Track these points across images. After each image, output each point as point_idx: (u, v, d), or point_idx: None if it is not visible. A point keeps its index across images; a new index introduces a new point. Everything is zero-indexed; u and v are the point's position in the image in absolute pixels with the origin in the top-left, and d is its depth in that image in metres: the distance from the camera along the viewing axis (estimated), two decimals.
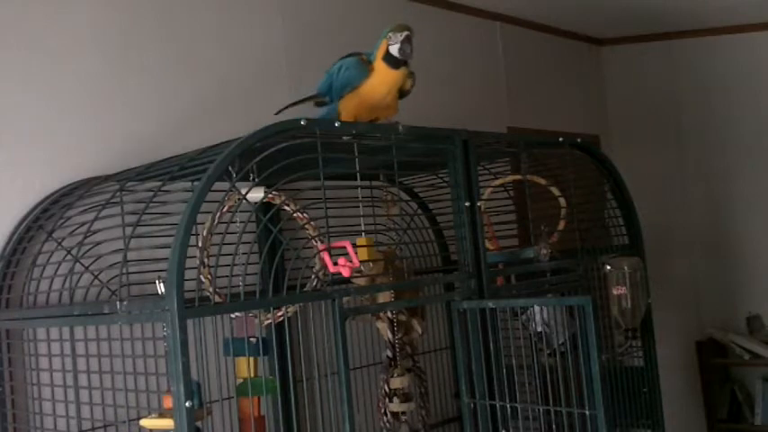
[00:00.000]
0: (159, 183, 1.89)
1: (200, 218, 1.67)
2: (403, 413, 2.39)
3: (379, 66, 2.15)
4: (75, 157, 2.37)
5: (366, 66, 2.16)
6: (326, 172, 1.91)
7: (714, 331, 4.71)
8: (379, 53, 2.14)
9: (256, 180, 1.86)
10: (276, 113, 2.17)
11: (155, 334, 1.86)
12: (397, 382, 2.38)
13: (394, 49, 2.11)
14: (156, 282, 1.74)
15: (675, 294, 4.55)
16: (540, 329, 2.72)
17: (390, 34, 2.11)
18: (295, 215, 2.10)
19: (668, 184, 4.85)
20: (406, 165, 2.43)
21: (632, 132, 4.91)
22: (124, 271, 1.74)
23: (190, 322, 1.61)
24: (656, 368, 2.74)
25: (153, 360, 1.80)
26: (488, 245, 2.55)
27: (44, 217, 2.20)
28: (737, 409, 4.67)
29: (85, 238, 1.97)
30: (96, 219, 1.92)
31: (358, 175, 2.14)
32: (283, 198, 2.06)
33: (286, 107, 2.26)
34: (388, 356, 2.40)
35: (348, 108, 2.18)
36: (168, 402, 1.65)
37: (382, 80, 2.15)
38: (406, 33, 2.10)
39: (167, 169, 1.93)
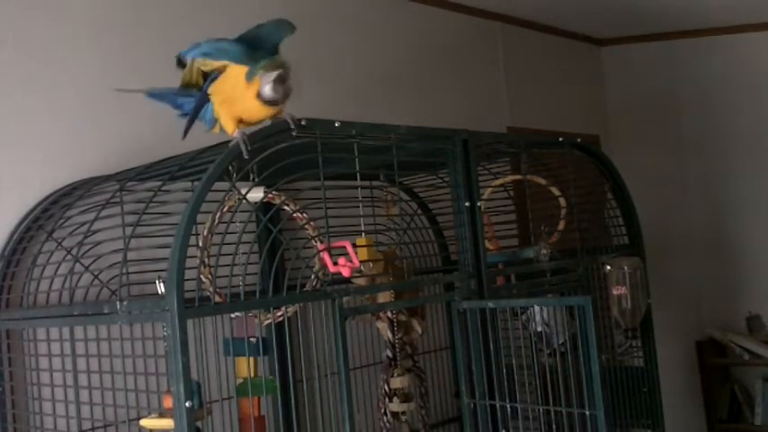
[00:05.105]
0: (159, 183, 1.89)
1: (200, 218, 1.67)
2: (403, 413, 2.39)
3: (253, 100, 1.82)
4: (75, 157, 2.37)
5: (244, 58, 1.84)
6: (326, 172, 1.91)
7: (714, 331, 4.71)
8: (252, 89, 1.80)
9: (256, 180, 1.86)
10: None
11: (155, 334, 1.86)
12: (397, 382, 2.38)
13: (266, 90, 1.78)
14: (156, 282, 1.74)
15: (675, 294, 4.55)
16: (540, 329, 2.72)
17: (262, 71, 1.78)
18: (295, 215, 2.10)
19: (668, 184, 4.85)
20: (406, 165, 2.42)
21: (632, 132, 4.90)
22: (124, 271, 1.74)
23: (190, 322, 1.61)
24: (656, 368, 2.74)
25: (153, 360, 1.80)
26: (488, 245, 2.55)
27: (44, 217, 2.20)
28: (737, 409, 4.67)
29: (85, 238, 1.97)
30: (96, 219, 1.92)
31: (358, 175, 2.14)
32: (283, 198, 2.06)
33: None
34: (388, 356, 2.40)
35: (222, 116, 1.87)
36: (168, 402, 1.65)
37: (256, 110, 1.84)
38: (278, 72, 1.77)
39: (167, 169, 1.93)
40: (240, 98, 1.83)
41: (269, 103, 1.81)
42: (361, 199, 2.15)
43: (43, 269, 2.12)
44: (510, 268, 2.50)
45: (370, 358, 2.80)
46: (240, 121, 1.86)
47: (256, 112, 1.84)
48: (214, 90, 1.88)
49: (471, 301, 2.21)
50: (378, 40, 3.47)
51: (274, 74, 1.78)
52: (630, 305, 2.54)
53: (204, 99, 1.90)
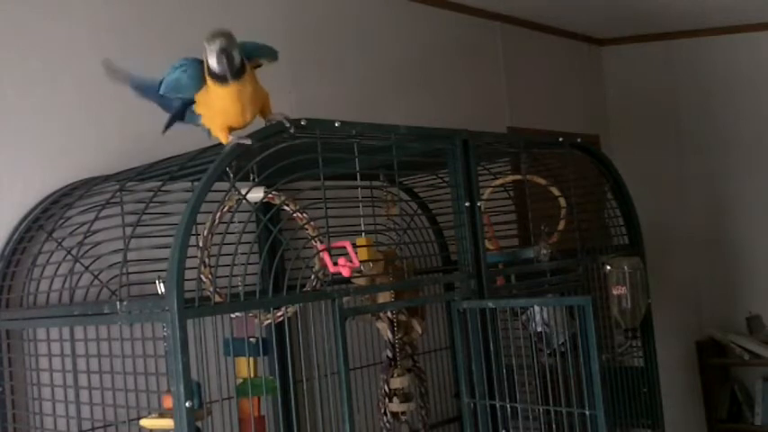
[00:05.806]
0: (159, 183, 1.89)
1: (200, 218, 1.67)
2: (403, 413, 2.39)
3: (210, 84, 1.75)
4: (75, 157, 2.37)
5: (201, 76, 1.77)
6: (326, 172, 1.91)
7: (714, 331, 4.71)
8: (206, 68, 1.74)
9: (256, 180, 1.86)
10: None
11: (155, 334, 1.86)
12: (397, 382, 2.38)
13: (212, 63, 1.70)
14: (156, 282, 1.74)
15: (675, 294, 4.55)
16: (540, 329, 2.72)
17: (205, 44, 1.68)
18: (295, 215, 2.10)
19: (668, 184, 4.85)
20: (406, 165, 2.43)
21: (632, 132, 4.91)
22: (124, 271, 1.74)
23: (190, 322, 1.61)
24: (656, 368, 2.74)
25: (153, 360, 1.80)
26: (488, 245, 2.55)
27: (44, 217, 2.20)
28: (737, 409, 4.67)
29: (85, 238, 1.97)
30: (96, 219, 1.92)
31: (358, 175, 2.14)
32: (283, 198, 2.06)
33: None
34: (388, 356, 2.40)
35: (213, 130, 1.84)
36: (168, 402, 1.65)
37: (222, 99, 1.76)
38: (218, 42, 1.67)
39: (167, 169, 1.93)
40: (213, 102, 1.78)
41: (219, 79, 1.72)
42: (361, 199, 2.15)
43: (43, 269, 2.12)
44: (510, 268, 2.50)
45: (370, 358, 2.80)
46: (230, 129, 1.82)
47: (229, 102, 1.76)
48: (196, 108, 1.85)
49: (471, 301, 2.21)
50: (378, 40, 3.47)
51: (215, 44, 1.68)
52: (630, 305, 2.54)
53: (178, 116, 1.89)
